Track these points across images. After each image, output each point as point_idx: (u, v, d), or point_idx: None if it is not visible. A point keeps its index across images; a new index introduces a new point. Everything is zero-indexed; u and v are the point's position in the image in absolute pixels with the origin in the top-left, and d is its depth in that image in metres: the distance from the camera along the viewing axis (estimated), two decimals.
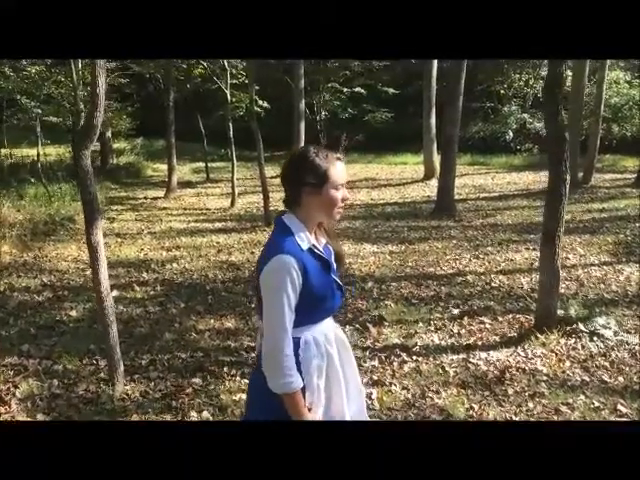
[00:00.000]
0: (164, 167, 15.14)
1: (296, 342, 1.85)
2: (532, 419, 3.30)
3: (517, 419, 3.33)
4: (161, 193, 13.38)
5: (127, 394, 3.73)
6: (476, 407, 3.48)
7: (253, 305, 5.53)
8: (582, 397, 3.56)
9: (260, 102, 10.69)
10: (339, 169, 1.87)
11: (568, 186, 4.36)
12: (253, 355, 4.32)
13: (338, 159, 1.88)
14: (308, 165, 1.83)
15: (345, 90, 19.62)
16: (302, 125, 16.13)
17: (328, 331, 2.00)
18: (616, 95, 18.86)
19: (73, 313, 5.40)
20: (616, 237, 8.19)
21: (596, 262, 6.93)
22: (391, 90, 19.27)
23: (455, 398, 3.60)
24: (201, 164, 17.18)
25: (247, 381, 3.83)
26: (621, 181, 13.78)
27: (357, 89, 19.10)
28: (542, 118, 20.18)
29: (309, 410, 1.84)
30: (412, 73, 19.43)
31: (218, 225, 9.71)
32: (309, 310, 1.86)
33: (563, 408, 3.42)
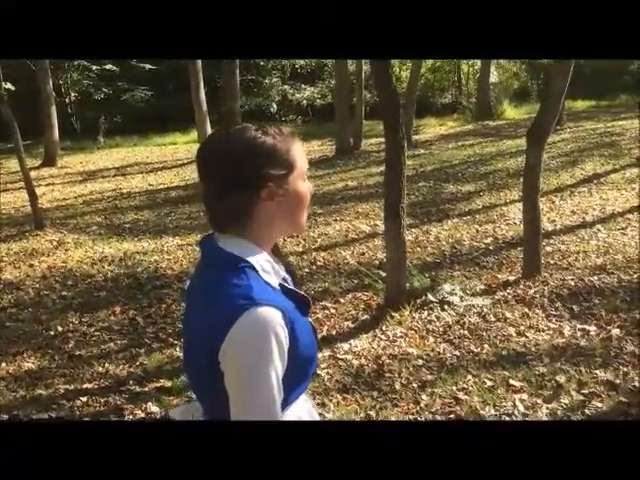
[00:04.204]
0: None
1: None
2: (440, 417, 3.00)
3: (420, 419, 3.01)
4: None
5: None
6: (373, 413, 3.07)
7: (61, 336, 4.44)
8: (470, 377, 3.37)
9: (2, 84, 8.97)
10: (301, 149, 1.22)
11: (406, 154, 4.14)
12: (79, 403, 3.38)
13: (294, 134, 1.22)
14: (262, 151, 1.14)
15: (95, 68, 17.81)
16: (53, 109, 14.25)
17: (309, 405, 1.35)
18: (365, 64, 19.99)
19: None
20: (408, 198, 8.43)
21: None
22: (147, 66, 17.95)
23: (346, 409, 3.15)
24: None
25: None
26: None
27: (108, 66, 17.41)
28: (301, 89, 20.68)
29: None
30: None
31: None
32: (295, 381, 1.20)
33: (460, 395, 3.18)
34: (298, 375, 1.21)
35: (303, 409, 1.28)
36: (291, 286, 1.23)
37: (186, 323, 1.27)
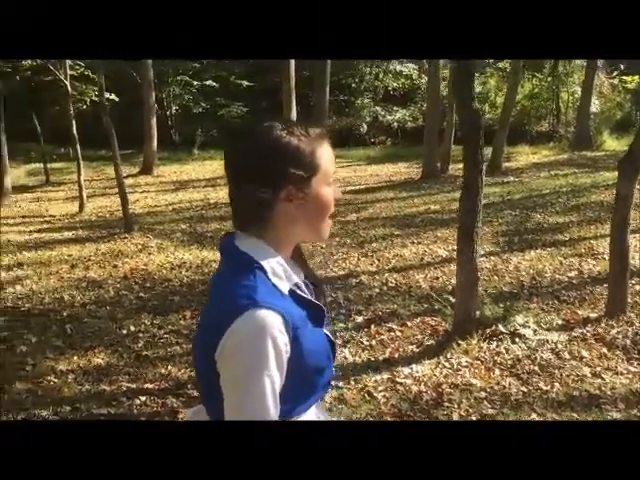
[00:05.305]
0: None
1: None
2: None
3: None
4: None
5: None
6: None
7: (132, 336, 4.61)
8: (535, 416, 3.18)
9: (107, 94, 9.56)
10: (329, 152, 1.18)
11: (484, 177, 4.01)
12: (138, 402, 3.47)
13: (323, 136, 1.18)
14: (284, 151, 1.11)
15: (195, 83, 18.59)
16: (154, 121, 14.98)
17: (321, 418, 1.30)
18: None
19: None
20: (491, 225, 8.20)
21: (482, 252, 6.80)
22: (245, 82, 18.54)
23: None
24: (38, 165, 15.25)
25: None
26: None
27: (208, 82, 18.16)
28: (392, 111, 20.66)
29: None
30: (262, 65, 18.70)
31: (67, 234, 8.40)
32: (302, 391, 1.16)
33: None
34: (305, 386, 1.16)
35: None
36: (305, 293, 1.19)
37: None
